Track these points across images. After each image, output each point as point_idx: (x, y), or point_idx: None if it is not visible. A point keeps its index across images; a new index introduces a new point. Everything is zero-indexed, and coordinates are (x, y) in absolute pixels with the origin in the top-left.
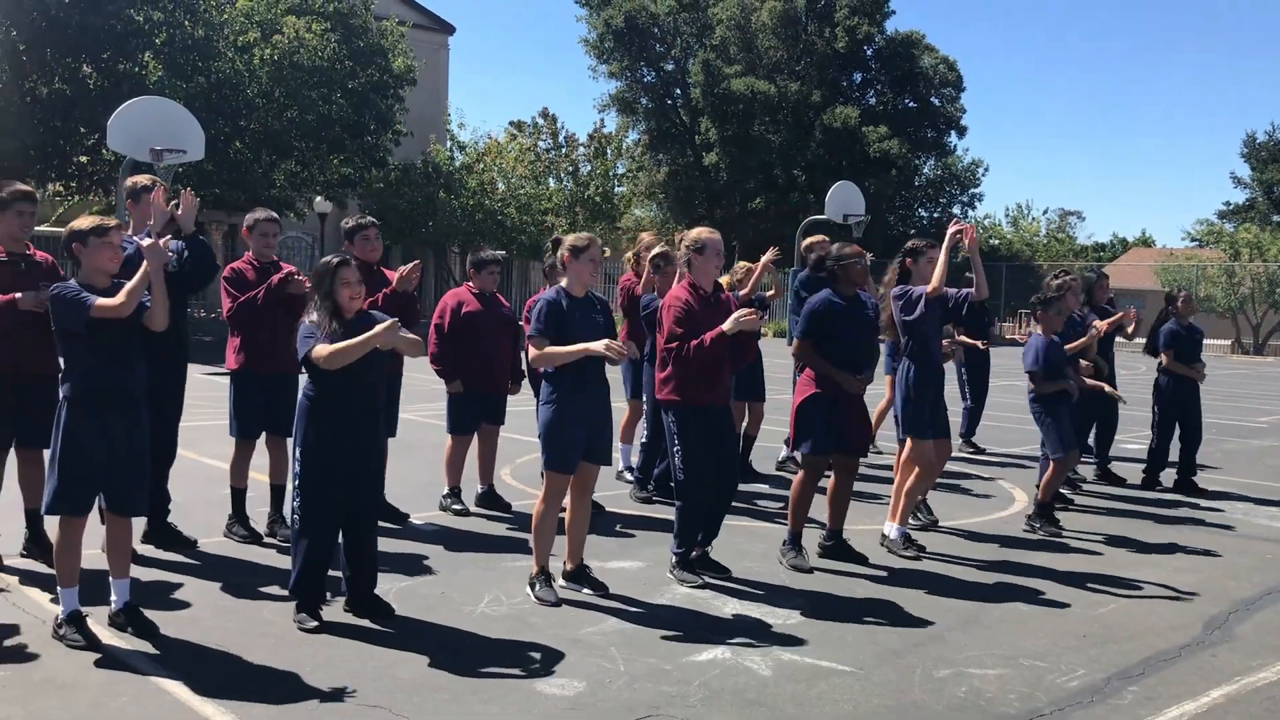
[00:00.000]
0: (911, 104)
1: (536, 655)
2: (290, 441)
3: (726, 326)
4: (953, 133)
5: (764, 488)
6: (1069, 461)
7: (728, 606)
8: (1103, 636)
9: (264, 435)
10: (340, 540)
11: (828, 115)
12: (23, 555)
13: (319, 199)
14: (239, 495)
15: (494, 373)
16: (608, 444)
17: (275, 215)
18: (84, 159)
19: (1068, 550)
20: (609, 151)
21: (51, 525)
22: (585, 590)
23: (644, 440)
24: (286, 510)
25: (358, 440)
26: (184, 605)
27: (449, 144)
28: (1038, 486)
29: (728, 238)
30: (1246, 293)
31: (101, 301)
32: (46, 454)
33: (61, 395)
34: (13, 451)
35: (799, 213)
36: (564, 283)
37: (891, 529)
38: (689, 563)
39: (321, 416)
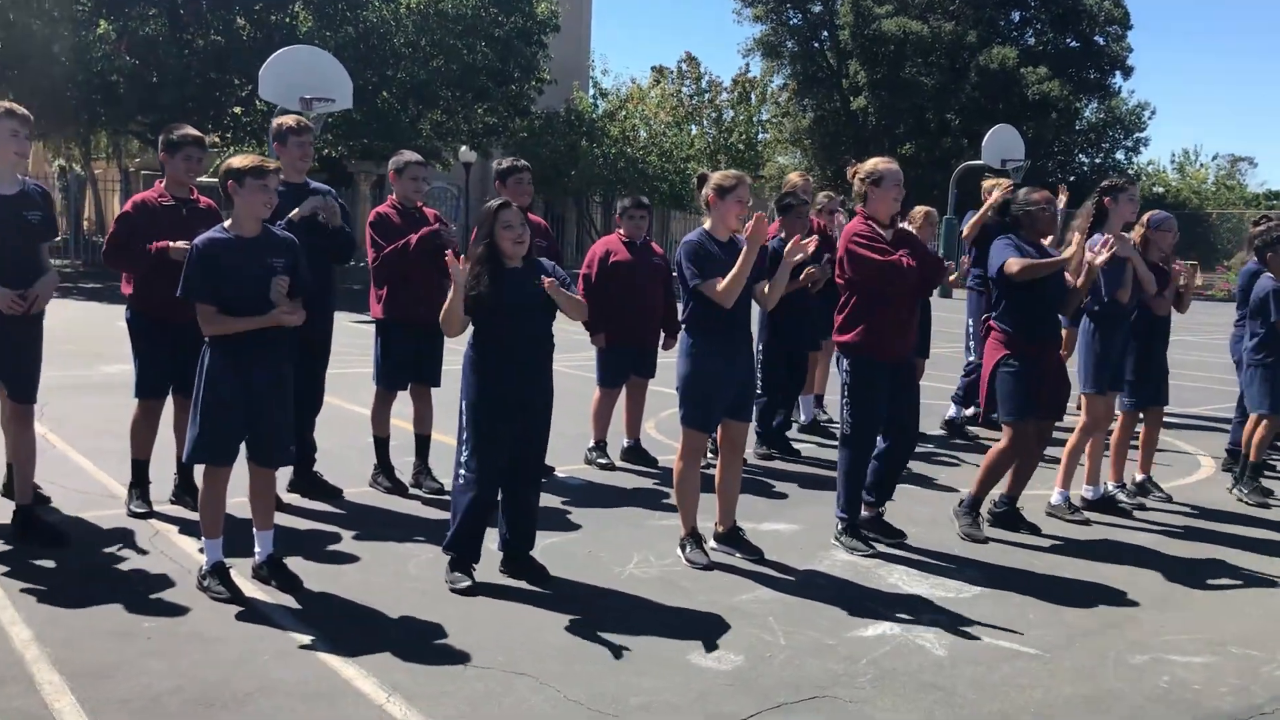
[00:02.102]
0: (1074, 43)
1: (690, 623)
2: (438, 394)
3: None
4: (1117, 73)
5: (929, 447)
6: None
7: (894, 576)
8: None
9: (409, 385)
10: (500, 498)
11: (984, 56)
12: (171, 501)
13: (464, 148)
14: (382, 445)
15: (645, 324)
16: (752, 400)
17: (423, 159)
18: (238, 109)
19: (1272, 523)
20: (753, 97)
21: (199, 473)
22: (738, 554)
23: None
24: (434, 463)
25: (525, 394)
26: (328, 558)
27: (592, 91)
28: (1244, 448)
29: None
30: None
31: (209, 312)
32: None
33: (205, 339)
34: (172, 397)
35: (951, 158)
36: (707, 224)
37: (1056, 494)
38: (856, 527)
39: (487, 369)
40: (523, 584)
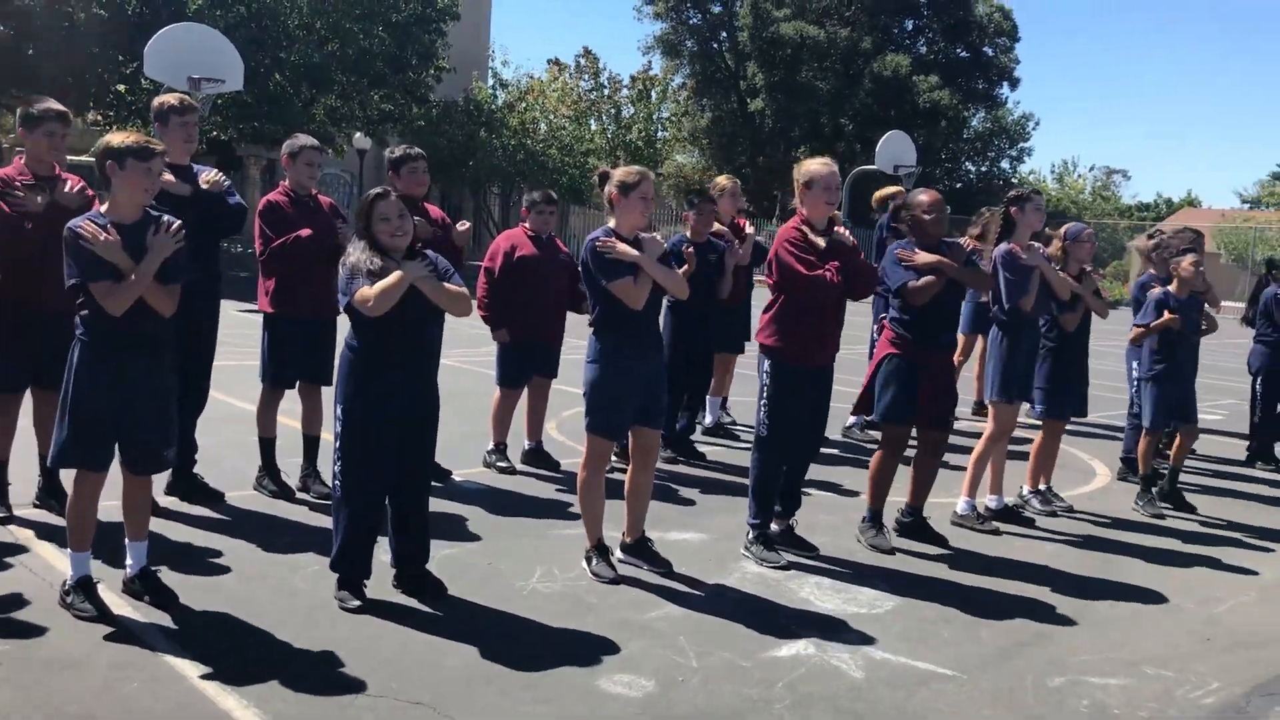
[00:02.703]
0: (963, 53)
1: (597, 644)
2: (328, 392)
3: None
4: (1005, 84)
5: (833, 452)
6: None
7: (805, 590)
8: (1228, 640)
9: (297, 383)
10: (388, 508)
11: (878, 63)
12: (35, 506)
13: (359, 135)
14: (268, 446)
15: (549, 322)
16: (664, 406)
17: (318, 144)
18: (122, 88)
19: (1168, 533)
20: (653, 95)
21: (69, 476)
22: (646, 567)
23: None
24: (323, 466)
25: (408, 397)
26: (208, 570)
27: (491, 82)
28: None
29: (770, 186)
30: None
31: (106, 286)
32: None
33: (77, 333)
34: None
35: (846, 163)
36: (612, 223)
37: (962, 503)
38: (768, 536)
39: (367, 371)
40: (418, 602)
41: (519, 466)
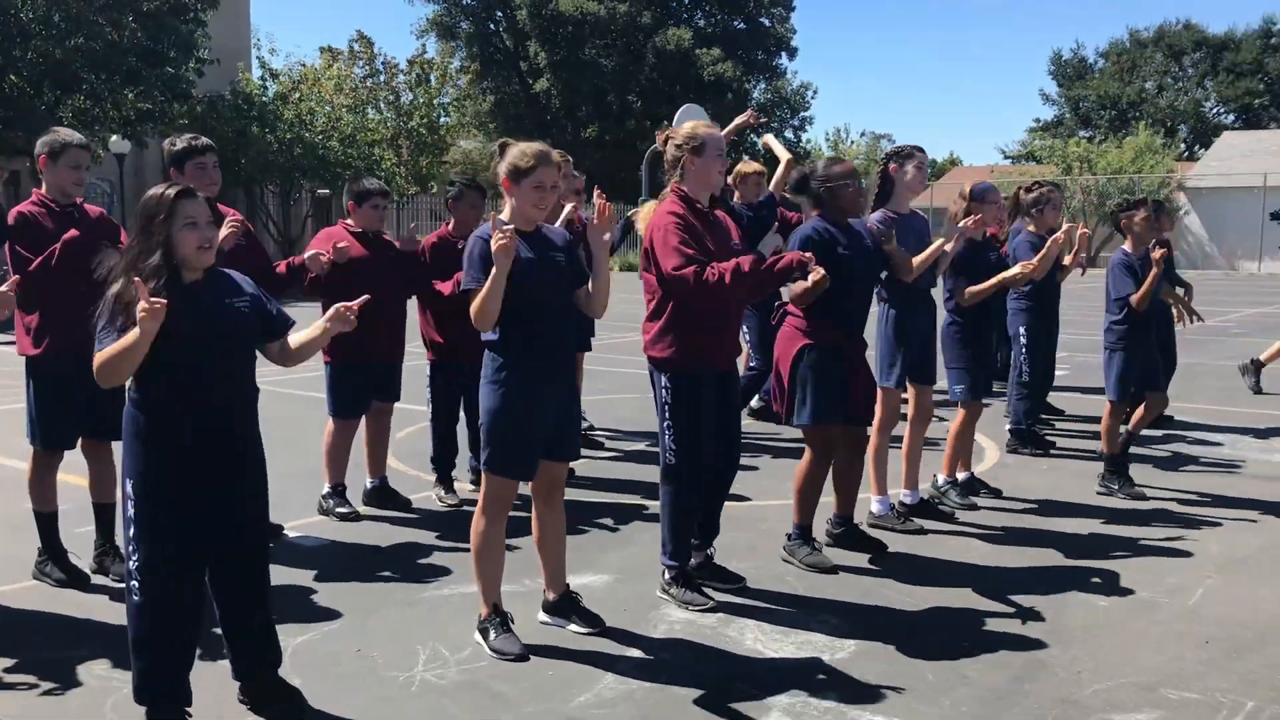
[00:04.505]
0: (741, 25)
1: None
2: (119, 457)
3: (796, 288)
4: (783, 54)
5: None
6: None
7: (747, 636)
8: (1228, 642)
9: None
10: (214, 604)
11: (660, 38)
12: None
13: (115, 138)
14: (48, 522)
15: (385, 337)
16: (577, 433)
17: (85, 141)
18: None
19: (1090, 513)
20: (432, 79)
21: None
22: (573, 627)
23: None
24: (121, 537)
25: (219, 466)
26: None
27: (261, 72)
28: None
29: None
30: (1078, 206)
31: None
32: None
33: None
34: None
35: (636, 140)
36: (505, 215)
37: (876, 503)
38: (688, 576)
39: (166, 433)
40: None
41: (362, 510)
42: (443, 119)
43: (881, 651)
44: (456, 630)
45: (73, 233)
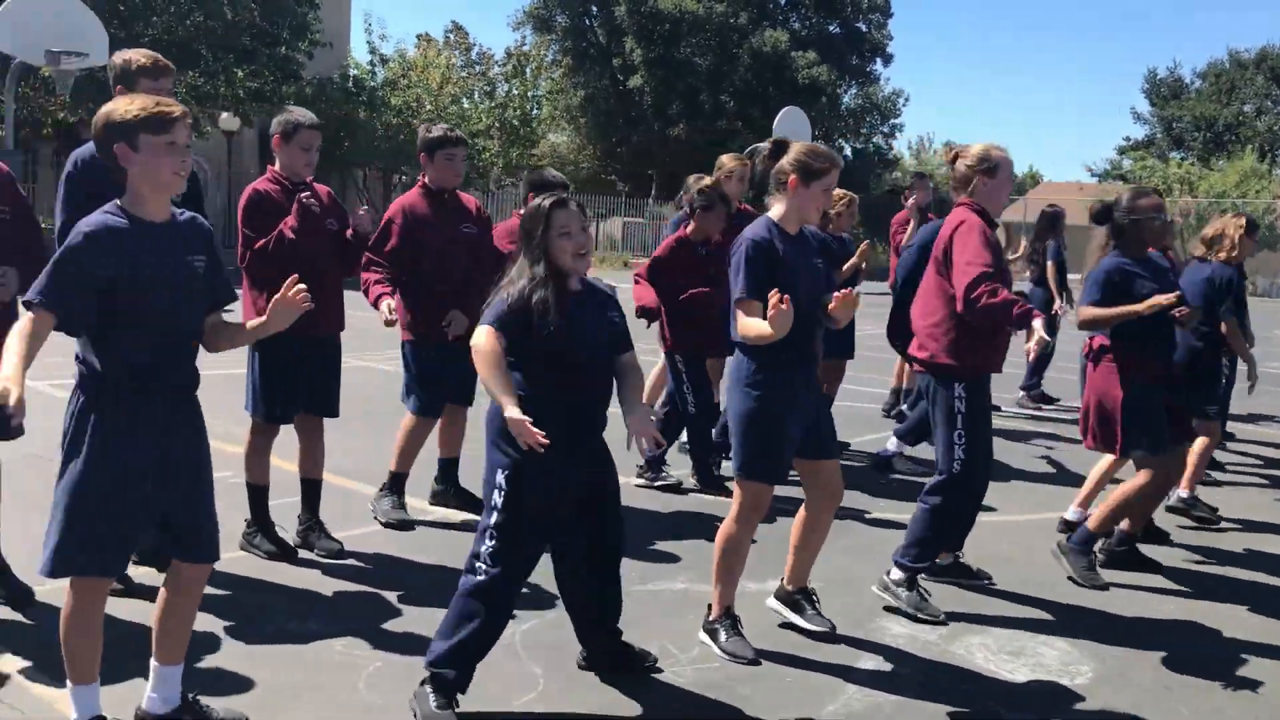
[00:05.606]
0: (837, 29)
1: None
2: (332, 426)
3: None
4: (878, 60)
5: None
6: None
7: (977, 653)
8: None
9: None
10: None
11: (756, 38)
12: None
13: (225, 115)
14: (260, 495)
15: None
16: (833, 432)
17: (317, 121)
18: None
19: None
20: (528, 71)
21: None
22: (803, 622)
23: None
24: (326, 516)
25: (590, 467)
26: (222, 684)
27: (369, 57)
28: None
29: (646, 165)
30: (1177, 229)
31: None
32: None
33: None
34: None
35: (726, 139)
36: (775, 213)
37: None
38: (948, 568)
39: (547, 422)
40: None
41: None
42: (535, 111)
43: (1120, 678)
44: (676, 629)
45: (290, 221)
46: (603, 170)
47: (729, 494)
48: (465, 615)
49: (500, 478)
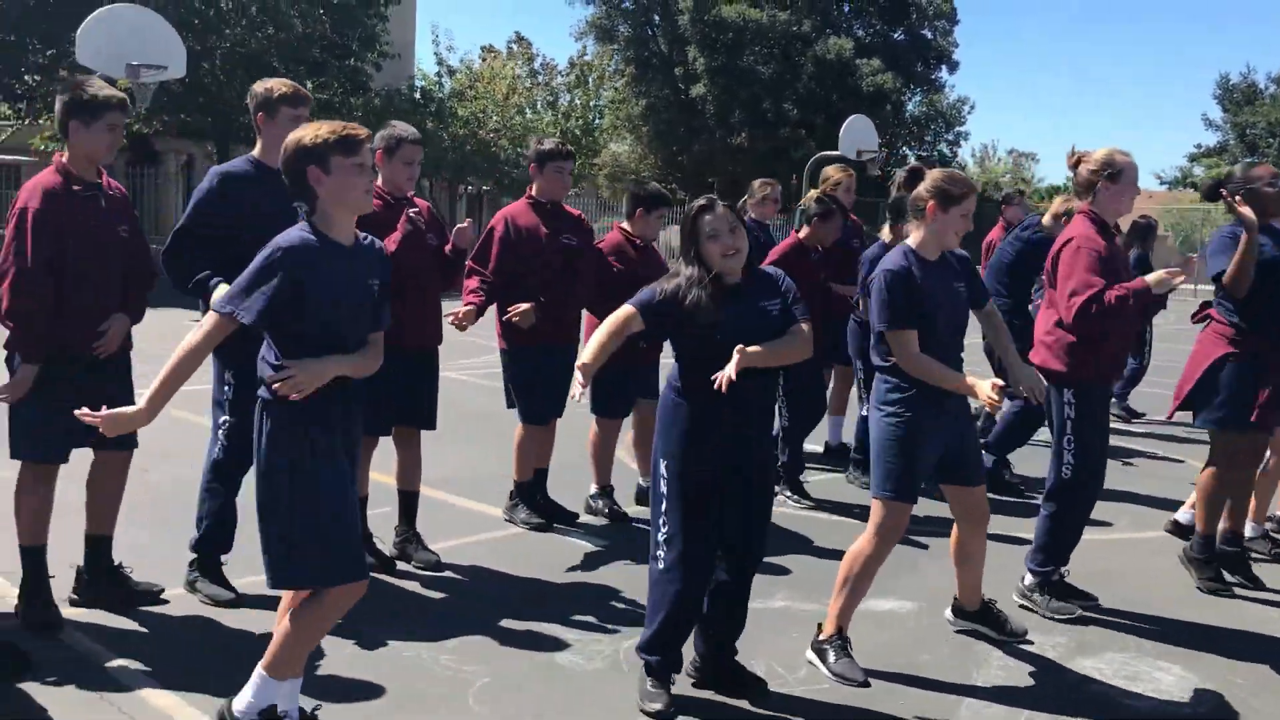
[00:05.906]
0: (901, 37)
1: None
2: (429, 438)
3: (1152, 280)
4: (943, 67)
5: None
6: None
7: (1093, 674)
8: None
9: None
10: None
11: (820, 46)
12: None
13: None
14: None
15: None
16: (979, 457)
17: (418, 136)
18: (34, 79)
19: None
20: (590, 81)
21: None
22: (989, 631)
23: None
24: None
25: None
26: (345, 692)
27: (437, 69)
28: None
29: (708, 173)
30: None
31: None
32: None
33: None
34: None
35: (789, 148)
36: (913, 240)
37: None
38: (1054, 586)
39: (693, 419)
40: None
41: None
42: (596, 121)
43: (1244, 705)
44: (786, 646)
45: (395, 236)
46: (664, 179)
47: (813, 503)
48: (657, 602)
49: (663, 466)
